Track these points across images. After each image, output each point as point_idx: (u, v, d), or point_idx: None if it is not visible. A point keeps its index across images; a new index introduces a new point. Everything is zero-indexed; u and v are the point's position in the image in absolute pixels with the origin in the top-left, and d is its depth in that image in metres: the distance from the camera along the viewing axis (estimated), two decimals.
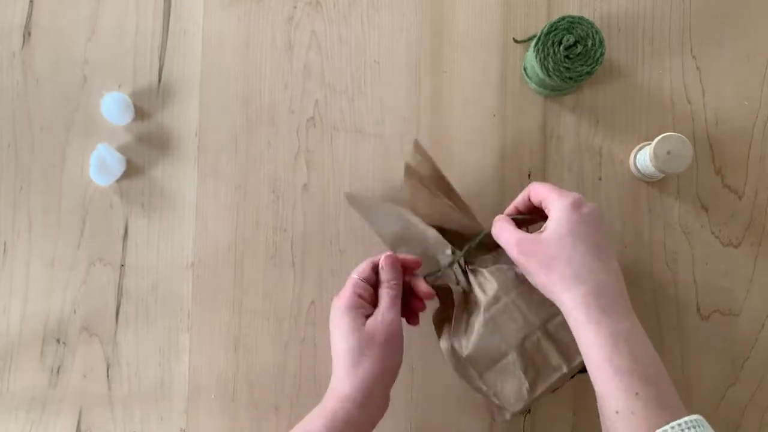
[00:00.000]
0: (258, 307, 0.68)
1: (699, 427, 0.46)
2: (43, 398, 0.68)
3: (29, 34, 0.71)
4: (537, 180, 0.68)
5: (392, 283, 0.58)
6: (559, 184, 0.67)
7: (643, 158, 0.64)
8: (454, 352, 0.59)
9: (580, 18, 0.62)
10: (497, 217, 0.59)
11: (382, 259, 0.59)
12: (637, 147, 0.67)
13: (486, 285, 0.59)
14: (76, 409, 0.68)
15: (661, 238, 0.67)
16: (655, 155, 0.61)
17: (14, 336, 0.69)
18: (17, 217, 0.69)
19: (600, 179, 0.68)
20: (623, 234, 0.67)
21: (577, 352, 0.55)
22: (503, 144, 0.68)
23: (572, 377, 0.59)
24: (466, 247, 0.60)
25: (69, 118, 0.70)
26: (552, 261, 0.53)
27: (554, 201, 0.54)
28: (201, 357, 0.68)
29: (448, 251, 0.60)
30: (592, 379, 0.51)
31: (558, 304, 0.53)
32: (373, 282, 0.59)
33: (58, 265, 0.69)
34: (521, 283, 0.58)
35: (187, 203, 0.69)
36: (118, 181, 0.69)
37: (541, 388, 0.58)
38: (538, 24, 0.68)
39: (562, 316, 0.55)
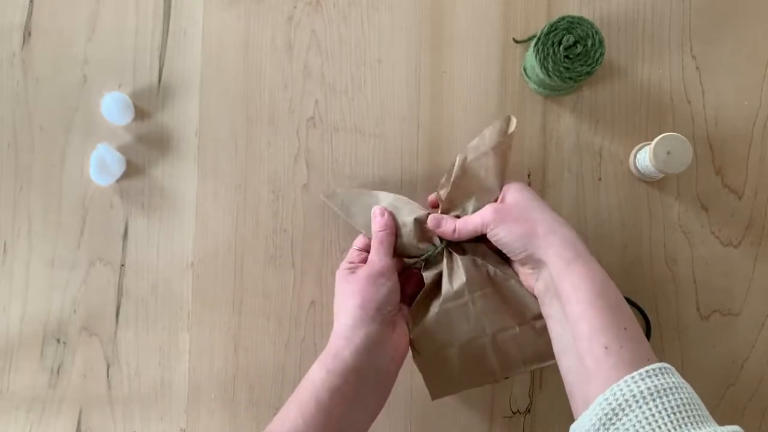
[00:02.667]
0: (258, 307, 0.68)
1: (670, 373, 0.48)
2: (43, 398, 0.68)
3: (29, 34, 0.71)
4: (536, 178, 0.68)
5: (380, 232, 0.60)
6: (558, 184, 0.67)
7: (643, 158, 0.64)
8: (408, 324, 0.61)
9: (580, 18, 0.62)
10: (446, 218, 0.60)
11: (373, 209, 0.61)
12: (637, 147, 0.67)
13: (455, 276, 0.59)
14: (76, 409, 0.68)
15: (661, 238, 0.67)
16: (655, 155, 0.61)
17: (14, 336, 0.69)
18: (17, 217, 0.69)
19: (600, 179, 0.68)
20: (623, 234, 0.67)
21: (516, 366, 0.59)
22: None
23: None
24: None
25: (69, 118, 0.70)
26: (528, 215, 0.56)
27: (485, 224, 0.57)
28: (201, 357, 0.68)
29: (437, 241, 0.61)
30: (576, 321, 0.51)
31: (538, 255, 0.55)
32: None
33: (58, 265, 0.69)
34: (490, 284, 0.59)
35: (187, 203, 0.69)
36: (118, 181, 0.69)
37: (467, 387, 0.61)
38: (538, 24, 0.68)
39: (516, 330, 0.59)
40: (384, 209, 0.61)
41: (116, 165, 0.68)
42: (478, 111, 0.69)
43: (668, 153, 0.61)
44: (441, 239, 0.60)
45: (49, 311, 0.69)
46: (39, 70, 0.70)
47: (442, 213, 0.60)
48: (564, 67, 0.62)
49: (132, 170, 0.69)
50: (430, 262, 0.61)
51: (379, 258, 0.59)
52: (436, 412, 0.67)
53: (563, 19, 0.62)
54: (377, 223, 0.61)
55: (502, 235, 0.56)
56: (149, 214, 0.69)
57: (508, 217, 0.56)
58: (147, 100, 0.70)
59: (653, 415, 0.45)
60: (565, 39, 0.62)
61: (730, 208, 0.67)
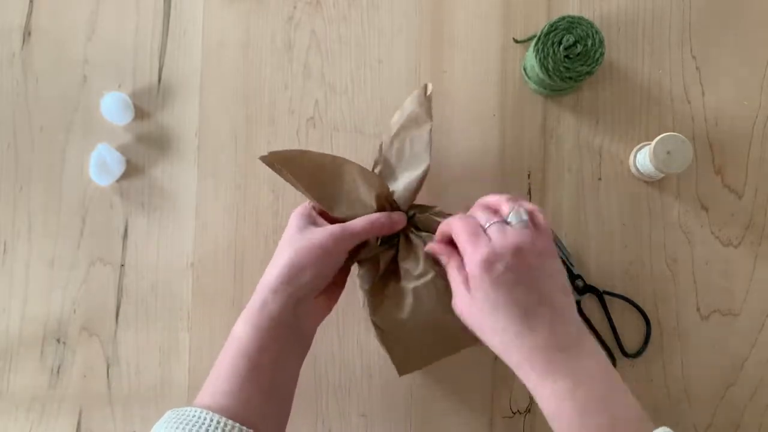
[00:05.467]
0: None
1: None
2: (43, 398, 0.68)
3: (29, 34, 0.71)
4: (536, 178, 0.68)
5: (379, 219, 0.56)
6: (557, 182, 0.66)
7: (643, 158, 0.64)
8: (369, 303, 0.59)
9: (580, 18, 0.62)
10: (443, 252, 0.54)
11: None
12: (637, 147, 0.67)
13: (416, 256, 0.58)
14: (76, 409, 0.68)
15: (661, 238, 0.67)
16: (655, 155, 0.61)
17: (14, 336, 0.69)
18: (17, 217, 0.69)
19: (600, 179, 0.68)
20: (623, 234, 0.67)
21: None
22: (503, 144, 0.68)
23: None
24: (414, 213, 0.60)
25: (69, 118, 0.70)
26: (483, 328, 0.50)
27: (467, 258, 0.50)
28: (201, 357, 0.68)
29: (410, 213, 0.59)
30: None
31: (506, 361, 0.50)
32: None
33: (58, 265, 0.69)
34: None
35: (187, 203, 0.69)
36: (118, 181, 0.69)
37: (434, 360, 0.60)
38: (538, 24, 0.68)
39: None
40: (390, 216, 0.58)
41: (116, 165, 0.68)
42: (478, 111, 0.69)
43: (668, 153, 0.61)
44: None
45: (49, 311, 0.69)
46: (39, 70, 0.70)
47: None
48: (564, 67, 0.62)
49: (132, 170, 0.69)
50: (381, 241, 0.60)
51: (352, 236, 0.55)
52: (436, 412, 0.67)
53: (563, 19, 0.62)
54: (381, 213, 0.57)
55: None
56: (149, 214, 0.69)
57: (469, 323, 0.51)
58: (147, 100, 0.70)
59: None
60: (565, 39, 0.62)
61: (730, 208, 0.67)
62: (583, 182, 0.68)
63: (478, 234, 0.50)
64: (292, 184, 0.58)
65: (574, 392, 0.46)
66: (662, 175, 0.65)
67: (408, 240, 0.59)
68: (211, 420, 0.47)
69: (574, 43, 0.62)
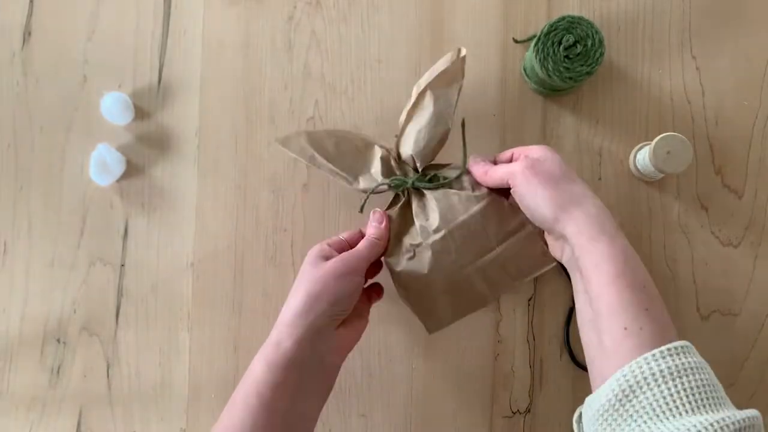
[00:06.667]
0: (258, 307, 0.68)
1: (690, 353, 0.47)
2: (43, 398, 0.68)
3: (29, 34, 0.71)
4: None
5: (375, 240, 0.59)
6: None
7: (643, 158, 0.64)
8: (389, 265, 0.61)
9: (580, 18, 0.62)
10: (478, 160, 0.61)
11: (374, 212, 0.61)
12: (637, 147, 0.67)
13: (429, 212, 0.60)
14: (76, 409, 0.68)
15: (661, 238, 0.67)
16: (655, 155, 0.61)
17: (14, 336, 0.69)
18: (17, 217, 0.69)
19: (600, 179, 0.68)
20: None
21: (504, 285, 0.61)
22: (503, 144, 0.68)
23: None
24: (429, 174, 0.62)
25: (69, 118, 0.70)
26: (556, 182, 0.54)
27: (513, 176, 0.56)
28: (201, 357, 0.68)
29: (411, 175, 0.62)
30: (596, 299, 0.51)
31: (559, 228, 0.54)
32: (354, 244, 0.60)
33: (58, 265, 0.69)
34: (463, 211, 0.59)
35: (187, 203, 0.69)
36: (118, 181, 0.69)
37: (461, 316, 0.63)
38: (538, 24, 0.68)
39: (496, 251, 0.60)
40: (385, 215, 0.61)
41: (116, 165, 0.68)
42: (478, 111, 0.69)
43: (668, 153, 0.61)
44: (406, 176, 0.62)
45: (49, 311, 0.69)
46: (39, 70, 0.70)
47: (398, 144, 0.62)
48: (564, 67, 0.62)
49: (132, 170, 0.69)
50: (393, 201, 0.63)
51: (359, 259, 0.57)
52: (436, 412, 0.67)
53: (563, 19, 0.62)
54: (375, 229, 0.60)
55: (526, 198, 0.55)
56: (149, 214, 0.69)
57: (536, 179, 0.55)
58: (147, 100, 0.70)
59: (671, 395, 0.44)
60: (565, 39, 0.62)
61: (730, 208, 0.67)
62: None
63: (508, 165, 0.58)
64: (314, 163, 0.62)
65: (631, 257, 0.52)
66: (662, 175, 0.65)
67: (422, 198, 0.61)
68: None
69: (574, 43, 0.62)
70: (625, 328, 0.48)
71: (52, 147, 0.70)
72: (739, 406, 0.67)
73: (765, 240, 0.67)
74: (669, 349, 0.46)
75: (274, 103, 0.69)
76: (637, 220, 0.67)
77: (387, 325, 0.67)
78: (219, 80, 0.70)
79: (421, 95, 0.61)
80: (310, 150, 0.61)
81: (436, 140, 0.61)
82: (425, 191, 0.61)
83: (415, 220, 0.61)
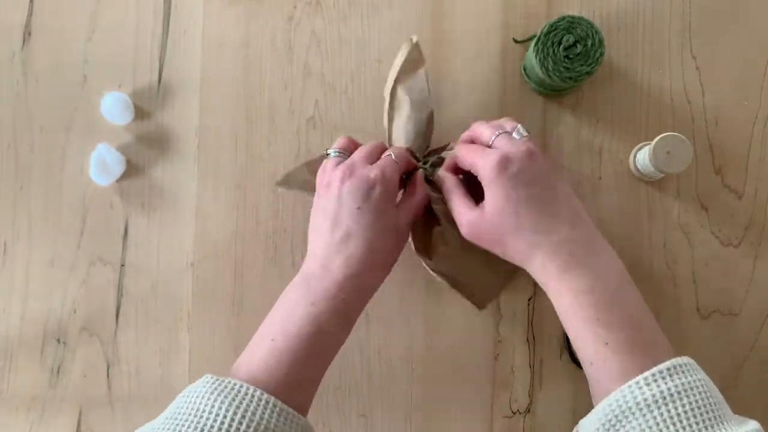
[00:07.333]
0: (258, 307, 0.68)
1: (679, 374, 0.45)
2: (43, 398, 0.68)
3: (29, 34, 0.71)
4: None
5: (414, 166, 0.59)
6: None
7: (643, 158, 0.64)
8: (427, 263, 0.62)
9: (580, 18, 0.62)
10: (446, 176, 0.57)
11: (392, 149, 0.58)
12: (637, 147, 0.67)
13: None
14: (76, 409, 0.68)
15: (661, 238, 0.67)
16: (655, 155, 0.61)
17: (14, 336, 0.69)
18: (17, 217, 0.69)
19: (600, 179, 0.68)
20: (623, 234, 0.67)
21: None
22: None
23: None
24: (431, 160, 0.63)
25: (69, 118, 0.70)
26: (502, 237, 0.51)
27: (480, 168, 0.51)
28: (201, 357, 0.68)
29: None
30: (574, 339, 0.50)
31: (523, 267, 0.53)
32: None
33: (58, 265, 0.69)
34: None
35: (187, 203, 0.69)
36: (118, 181, 0.69)
37: (506, 283, 0.65)
38: (538, 24, 0.68)
39: None
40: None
41: (116, 165, 0.68)
42: (478, 111, 0.69)
43: (668, 153, 0.61)
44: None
45: (49, 311, 0.69)
46: (39, 70, 0.70)
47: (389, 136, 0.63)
48: (564, 67, 0.62)
49: (132, 170, 0.69)
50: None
51: (419, 203, 0.56)
52: (436, 412, 0.67)
53: (563, 19, 0.62)
54: (399, 150, 0.58)
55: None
56: (149, 214, 0.69)
57: (483, 236, 0.53)
58: (147, 100, 0.70)
59: (657, 425, 0.43)
60: (565, 39, 0.62)
61: (730, 208, 0.67)
62: (583, 182, 0.68)
63: (485, 149, 0.52)
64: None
65: (594, 287, 0.48)
66: (662, 175, 0.65)
67: (432, 184, 0.62)
68: (267, 402, 0.47)
69: (574, 43, 0.62)
70: (592, 364, 0.48)
71: (52, 147, 0.70)
72: (739, 407, 0.67)
73: (765, 240, 0.67)
74: (655, 374, 0.45)
75: (274, 103, 0.69)
76: (637, 220, 0.67)
77: (387, 325, 0.67)
78: (219, 80, 0.70)
79: (393, 94, 0.62)
80: (314, 180, 0.61)
81: (424, 125, 0.62)
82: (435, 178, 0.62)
83: (434, 206, 0.61)
